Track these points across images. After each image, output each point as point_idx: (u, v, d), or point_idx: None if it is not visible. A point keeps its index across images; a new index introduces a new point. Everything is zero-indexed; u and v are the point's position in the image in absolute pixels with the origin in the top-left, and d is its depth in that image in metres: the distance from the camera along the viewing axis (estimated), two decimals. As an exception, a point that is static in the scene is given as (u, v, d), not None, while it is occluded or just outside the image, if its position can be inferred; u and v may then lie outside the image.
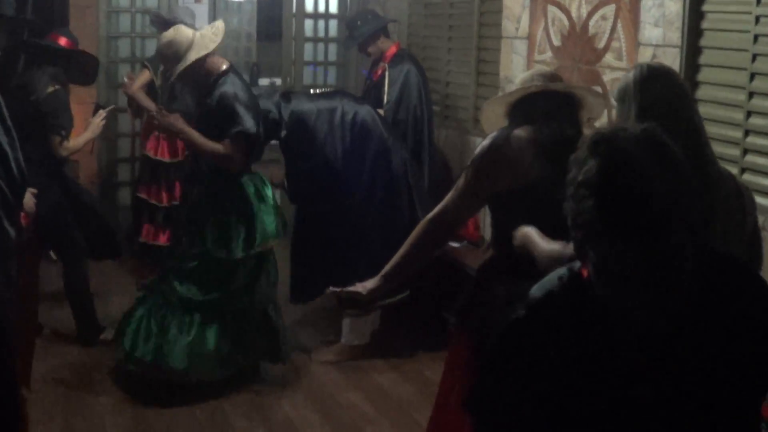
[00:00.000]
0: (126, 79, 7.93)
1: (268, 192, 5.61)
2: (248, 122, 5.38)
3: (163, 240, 7.67)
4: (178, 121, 5.52)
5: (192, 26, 7.94)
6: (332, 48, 9.64)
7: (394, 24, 7.93)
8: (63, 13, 9.03)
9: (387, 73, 6.93)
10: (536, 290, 2.21)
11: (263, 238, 5.46)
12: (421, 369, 6.00)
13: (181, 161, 7.67)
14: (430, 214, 3.70)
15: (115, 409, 5.42)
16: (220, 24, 5.70)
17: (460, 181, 3.62)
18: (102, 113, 6.47)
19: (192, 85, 5.79)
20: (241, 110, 5.37)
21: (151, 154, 7.66)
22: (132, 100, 7.88)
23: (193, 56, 5.41)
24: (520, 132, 3.53)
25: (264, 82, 14.22)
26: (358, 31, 7.17)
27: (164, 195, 7.72)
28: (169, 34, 5.49)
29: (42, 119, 6.04)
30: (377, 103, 6.77)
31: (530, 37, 6.40)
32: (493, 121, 3.78)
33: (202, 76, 5.53)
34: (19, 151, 3.72)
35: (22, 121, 4.32)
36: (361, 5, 9.31)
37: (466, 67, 7.52)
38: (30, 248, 5.41)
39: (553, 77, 3.75)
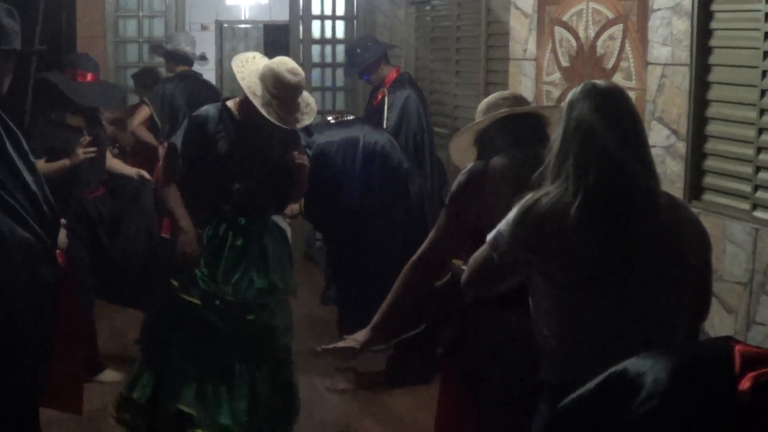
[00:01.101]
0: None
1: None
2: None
3: None
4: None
5: (192, 54, 7.97)
6: (340, 73, 9.66)
7: (400, 48, 7.94)
8: (71, 43, 9.06)
9: (386, 99, 6.91)
10: None
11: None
12: (435, 394, 5.93)
13: None
14: (414, 256, 3.66)
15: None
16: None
17: (441, 219, 3.58)
18: (85, 140, 6.00)
19: None
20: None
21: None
22: (125, 138, 7.88)
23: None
24: (495, 162, 3.47)
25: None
26: (359, 58, 7.16)
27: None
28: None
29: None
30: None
31: (538, 59, 6.39)
32: (462, 151, 3.76)
33: None
34: (45, 187, 3.72)
35: None
36: (367, 31, 9.33)
37: (473, 90, 7.52)
38: (67, 284, 5.45)
39: (516, 100, 3.71)
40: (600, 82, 2.95)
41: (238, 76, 4.80)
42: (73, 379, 4.98)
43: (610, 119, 2.82)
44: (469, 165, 3.58)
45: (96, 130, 6.22)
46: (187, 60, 7.93)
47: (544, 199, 2.81)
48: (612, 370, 2.19)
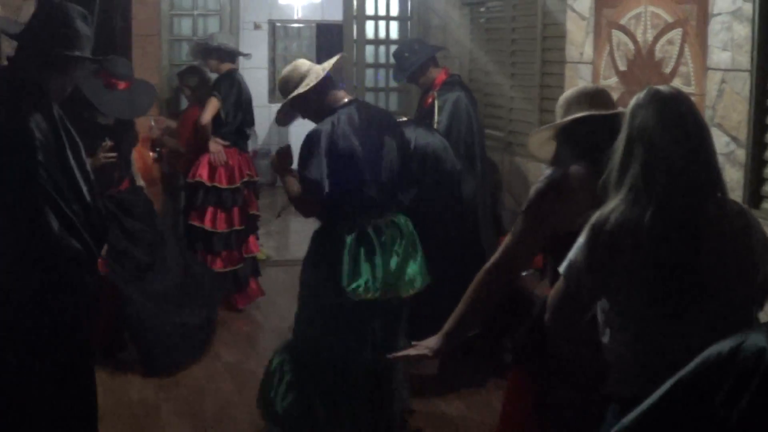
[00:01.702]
0: (152, 122, 7.99)
1: None
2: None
3: (220, 266, 7.70)
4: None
5: (235, 50, 8.01)
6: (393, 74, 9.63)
7: (447, 50, 7.90)
8: (125, 40, 9.12)
9: (436, 101, 6.86)
10: None
11: None
12: (488, 398, 5.92)
13: (237, 187, 7.74)
14: (489, 263, 3.59)
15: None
16: (331, 60, 5.27)
17: (518, 225, 3.50)
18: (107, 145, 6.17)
19: (306, 117, 5.43)
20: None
21: (206, 181, 7.67)
22: (169, 142, 8.00)
23: (301, 88, 4.98)
24: (574, 170, 3.39)
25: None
26: (406, 63, 7.09)
27: (221, 221, 7.72)
28: (288, 67, 5.27)
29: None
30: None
31: (594, 62, 6.34)
32: (541, 144, 3.70)
33: (317, 108, 5.07)
34: (98, 198, 3.77)
35: None
36: (421, 32, 9.31)
37: (529, 93, 7.48)
38: (106, 291, 5.53)
39: (596, 94, 3.58)
40: (664, 87, 2.91)
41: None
42: None
43: (675, 127, 2.78)
44: (548, 171, 3.51)
45: (123, 132, 6.30)
46: (234, 56, 8.00)
47: (612, 216, 2.78)
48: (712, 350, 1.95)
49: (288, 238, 11.62)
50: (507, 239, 3.53)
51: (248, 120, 8.05)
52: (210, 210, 7.69)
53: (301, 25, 15.04)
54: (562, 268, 2.95)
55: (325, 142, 4.72)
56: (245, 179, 7.85)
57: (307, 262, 4.97)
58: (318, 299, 4.88)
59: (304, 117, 5.14)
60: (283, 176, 5.05)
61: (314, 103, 4.91)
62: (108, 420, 5.21)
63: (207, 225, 7.66)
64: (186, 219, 7.87)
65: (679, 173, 2.74)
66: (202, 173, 7.65)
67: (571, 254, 2.91)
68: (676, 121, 2.80)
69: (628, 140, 2.84)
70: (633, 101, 2.90)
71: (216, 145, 7.68)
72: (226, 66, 7.90)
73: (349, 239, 4.75)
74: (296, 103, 4.93)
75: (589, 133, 3.37)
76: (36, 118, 3.57)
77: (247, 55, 8.48)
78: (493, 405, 5.78)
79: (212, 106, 7.68)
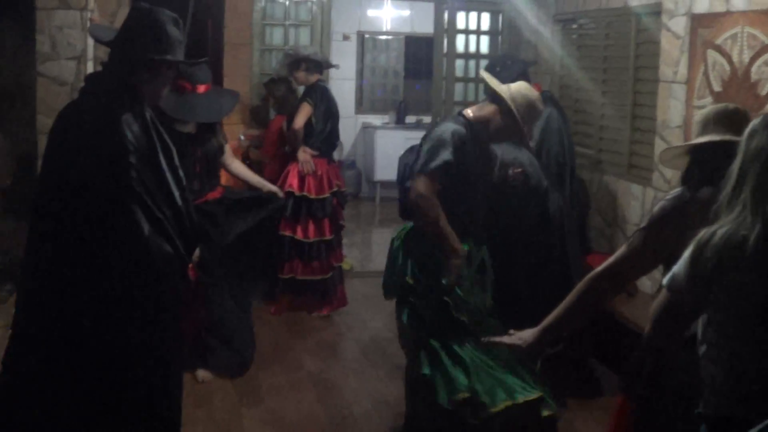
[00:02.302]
0: (242, 137, 8.05)
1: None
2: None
3: (310, 274, 7.79)
4: None
5: (324, 60, 8.05)
6: (482, 88, 9.62)
7: (540, 65, 7.86)
8: (217, 49, 9.24)
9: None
10: None
11: None
12: (570, 418, 5.88)
13: (326, 197, 7.79)
14: (599, 269, 3.57)
15: None
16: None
17: (637, 239, 3.48)
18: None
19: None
20: None
21: (295, 190, 7.73)
22: (255, 154, 8.08)
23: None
24: (703, 193, 3.36)
25: (411, 119, 14.30)
26: (498, 77, 7.05)
27: (311, 230, 7.79)
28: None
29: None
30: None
31: (689, 82, 6.27)
32: (674, 157, 3.70)
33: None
34: (190, 202, 3.80)
35: None
36: (511, 47, 9.29)
37: (621, 111, 7.42)
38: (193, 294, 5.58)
39: (735, 116, 3.51)
40: None
41: (500, 89, 5.13)
42: None
43: None
44: (676, 191, 3.49)
45: (205, 141, 6.26)
46: (322, 67, 8.06)
47: (720, 231, 2.76)
48: None
49: (371, 249, 11.67)
50: (623, 249, 3.52)
51: (336, 130, 8.11)
52: (301, 219, 7.76)
53: (389, 37, 15.10)
54: (665, 280, 2.97)
55: None
56: (334, 189, 7.89)
57: None
58: None
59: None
60: None
61: None
62: (190, 426, 5.27)
63: (298, 235, 7.74)
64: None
65: None
66: (292, 183, 7.72)
67: (675, 267, 2.91)
68: None
69: (742, 164, 2.83)
70: (750, 125, 2.89)
71: (305, 155, 7.74)
72: (314, 77, 7.96)
73: None
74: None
75: (722, 157, 3.31)
76: (128, 121, 3.61)
77: (335, 66, 8.54)
78: (575, 425, 5.75)
79: (305, 111, 7.75)
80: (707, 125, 3.54)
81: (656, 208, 3.51)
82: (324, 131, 7.90)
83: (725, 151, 3.23)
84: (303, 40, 9.59)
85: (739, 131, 3.34)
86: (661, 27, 6.66)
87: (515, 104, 4.98)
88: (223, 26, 9.24)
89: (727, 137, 3.41)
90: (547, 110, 6.70)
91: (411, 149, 5.67)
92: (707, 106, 5.90)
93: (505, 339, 3.75)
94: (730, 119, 3.50)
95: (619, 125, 7.45)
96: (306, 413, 5.95)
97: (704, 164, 3.46)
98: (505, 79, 6.90)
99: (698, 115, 3.66)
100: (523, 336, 3.67)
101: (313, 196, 7.76)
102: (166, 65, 3.87)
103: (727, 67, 5.84)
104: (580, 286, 3.59)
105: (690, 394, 3.14)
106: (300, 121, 7.69)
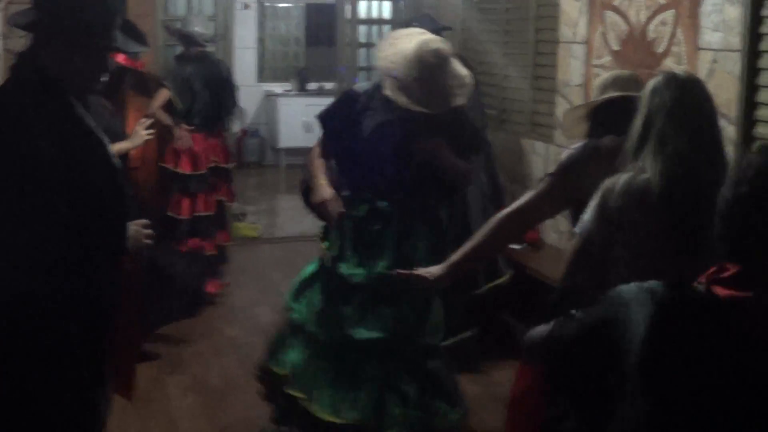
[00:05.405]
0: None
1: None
2: None
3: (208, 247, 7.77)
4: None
5: (201, 36, 7.90)
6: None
7: (452, 30, 7.97)
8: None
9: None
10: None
11: None
12: (487, 370, 6.06)
13: (202, 173, 7.60)
14: (507, 210, 3.83)
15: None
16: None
17: (546, 185, 3.75)
18: (145, 122, 5.93)
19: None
20: None
21: (170, 167, 7.51)
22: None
23: None
24: (606, 141, 3.64)
25: (312, 86, 14.36)
26: None
27: (185, 207, 7.56)
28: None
29: None
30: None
31: (588, 42, 6.48)
32: (572, 122, 3.97)
33: None
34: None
35: None
36: (414, 11, 9.41)
37: (522, 72, 7.59)
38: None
39: (630, 79, 3.86)
40: (680, 72, 3.23)
41: (379, 55, 4.64)
42: (128, 365, 4.95)
43: (689, 107, 3.10)
44: (582, 142, 3.78)
45: None
46: (197, 43, 7.75)
47: (624, 177, 3.08)
48: None
49: (278, 216, 11.76)
50: (531, 194, 3.76)
51: (221, 101, 7.85)
52: (175, 196, 7.54)
53: (290, 4, 15.11)
54: (577, 228, 3.26)
55: None
56: (211, 165, 7.70)
57: None
58: None
59: None
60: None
61: None
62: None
63: (173, 211, 7.52)
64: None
65: (688, 148, 3.05)
66: (167, 160, 7.53)
67: (585, 215, 3.20)
68: (691, 103, 3.11)
69: (646, 118, 3.13)
70: (651, 83, 3.20)
71: (180, 131, 7.54)
72: (196, 49, 7.75)
73: None
74: None
75: (620, 113, 3.56)
76: (47, 123, 3.18)
77: (212, 42, 8.34)
78: (493, 376, 5.94)
79: (161, 95, 7.51)
80: (606, 87, 3.86)
81: (563, 156, 3.80)
82: (204, 106, 7.69)
83: (623, 107, 3.54)
84: (207, 9, 9.57)
85: (633, 92, 3.68)
86: (559, -11, 6.85)
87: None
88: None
89: (627, 93, 3.69)
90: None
91: None
92: (605, 64, 6.15)
93: (415, 271, 3.96)
94: (627, 81, 3.85)
95: (521, 85, 7.63)
96: (229, 378, 6.07)
97: (606, 119, 3.76)
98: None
99: (597, 80, 4.00)
100: (431, 270, 3.91)
101: (187, 172, 7.53)
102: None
103: (624, 27, 6.04)
104: (488, 225, 3.84)
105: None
106: (154, 105, 7.37)
